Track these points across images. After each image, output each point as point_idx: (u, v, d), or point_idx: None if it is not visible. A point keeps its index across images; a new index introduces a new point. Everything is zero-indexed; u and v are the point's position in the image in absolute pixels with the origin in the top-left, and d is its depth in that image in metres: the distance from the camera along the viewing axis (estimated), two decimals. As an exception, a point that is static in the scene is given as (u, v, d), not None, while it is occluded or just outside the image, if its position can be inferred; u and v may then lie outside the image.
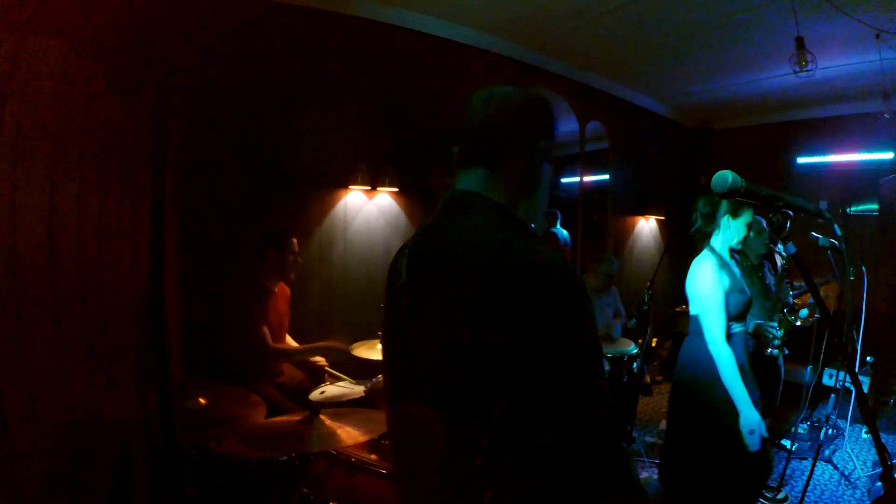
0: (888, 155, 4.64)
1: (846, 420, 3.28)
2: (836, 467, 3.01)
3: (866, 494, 2.72)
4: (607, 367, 3.19)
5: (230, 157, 2.79)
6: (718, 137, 5.92)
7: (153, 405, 1.26)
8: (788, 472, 2.80)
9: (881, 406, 3.65)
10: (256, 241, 2.55)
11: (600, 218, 4.98)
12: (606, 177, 4.93)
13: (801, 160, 5.26)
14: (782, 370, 2.74)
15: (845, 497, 2.72)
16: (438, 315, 0.75)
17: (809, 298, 3.16)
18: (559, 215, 5.29)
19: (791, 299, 2.89)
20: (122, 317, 1.64)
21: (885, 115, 3.88)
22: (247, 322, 2.36)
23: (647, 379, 4.58)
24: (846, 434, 3.27)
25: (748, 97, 4.84)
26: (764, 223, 2.69)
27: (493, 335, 0.66)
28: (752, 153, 5.63)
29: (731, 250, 2.05)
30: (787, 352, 2.62)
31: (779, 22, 3.14)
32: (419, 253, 0.83)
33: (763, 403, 1.97)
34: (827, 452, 3.13)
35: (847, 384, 3.15)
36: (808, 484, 2.37)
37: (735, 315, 1.95)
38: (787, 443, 3.03)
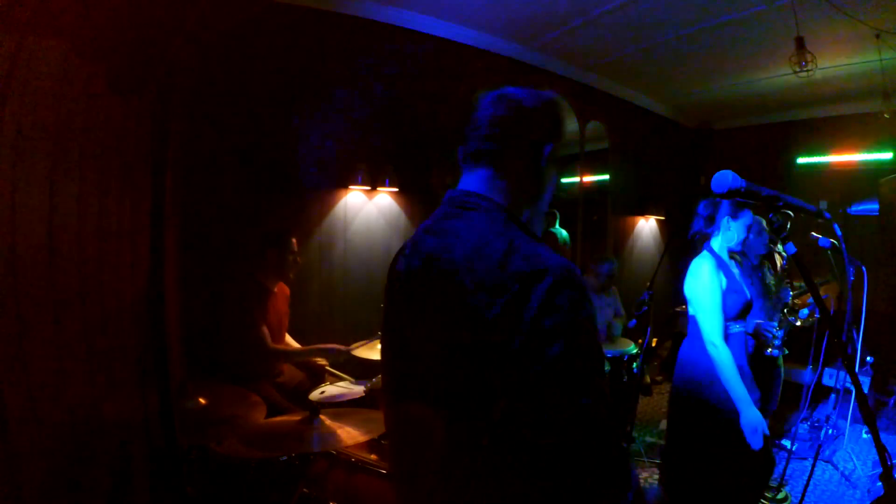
0: (888, 155, 4.64)
1: (846, 420, 3.28)
2: (836, 467, 3.01)
3: (866, 494, 2.71)
4: (607, 368, 3.19)
5: (230, 157, 2.79)
6: (718, 137, 5.92)
7: (153, 405, 1.26)
8: (788, 472, 2.80)
9: (881, 406, 3.65)
10: (256, 241, 2.55)
11: (600, 218, 4.98)
12: (606, 177, 4.93)
13: (801, 160, 5.26)
14: (782, 370, 2.75)
15: (845, 497, 2.72)
16: (438, 316, 0.74)
17: (809, 298, 3.16)
18: (558, 215, 5.29)
19: (791, 299, 2.89)
20: (122, 317, 1.64)
21: (885, 115, 3.88)
22: (246, 322, 2.36)
23: (647, 379, 4.58)
24: (846, 434, 3.26)
25: (748, 97, 4.84)
26: (764, 223, 2.69)
27: (494, 337, 0.66)
28: (752, 153, 5.63)
29: (731, 251, 2.05)
30: (786, 352, 2.62)
31: (779, 22, 3.14)
32: (419, 254, 0.82)
33: (763, 403, 1.97)
34: (827, 452, 3.13)
35: (847, 384, 3.15)
36: (808, 484, 2.37)
37: (733, 316, 1.95)
38: (787, 443, 3.03)
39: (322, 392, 2.21)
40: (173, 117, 1.41)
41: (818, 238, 2.20)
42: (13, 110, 1.19)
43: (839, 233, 1.46)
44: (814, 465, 2.42)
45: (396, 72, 3.40)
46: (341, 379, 2.45)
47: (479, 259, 0.71)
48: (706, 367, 1.90)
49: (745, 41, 3.58)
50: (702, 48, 3.76)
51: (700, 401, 1.93)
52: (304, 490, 1.64)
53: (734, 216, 2.00)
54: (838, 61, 3.70)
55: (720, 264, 1.97)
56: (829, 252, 2.21)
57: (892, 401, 3.63)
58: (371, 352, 2.47)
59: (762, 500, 2.56)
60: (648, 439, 3.49)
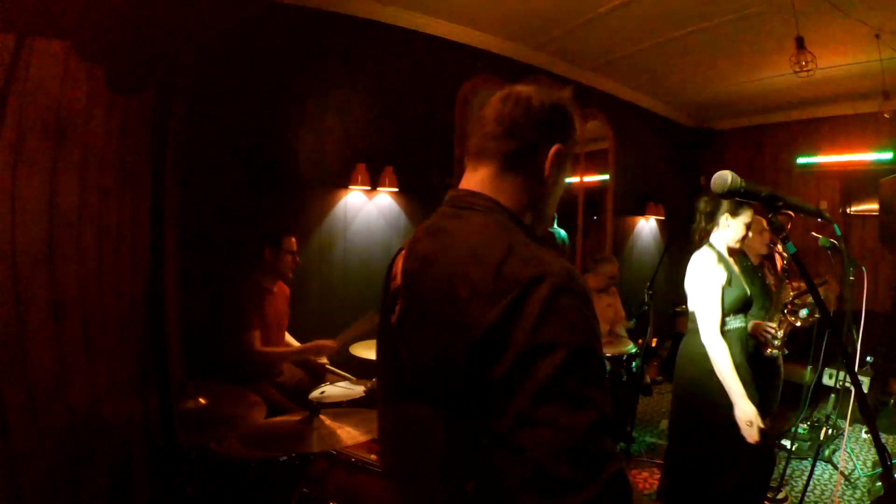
0: (888, 155, 4.64)
1: (846, 420, 3.28)
2: (836, 467, 3.01)
3: (866, 494, 2.72)
4: (608, 368, 3.19)
5: (230, 157, 2.79)
6: (718, 137, 5.92)
7: (153, 405, 1.26)
8: (788, 472, 2.80)
9: (881, 406, 3.65)
10: (255, 241, 2.55)
11: (600, 218, 4.98)
12: (606, 177, 4.93)
13: (801, 160, 5.26)
14: (782, 370, 2.75)
15: (845, 497, 2.72)
16: (434, 320, 0.71)
17: (809, 298, 3.16)
18: (556, 215, 5.30)
19: (791, 299, 2.89)
20: (122, 317, 1.64)
21: (885, 115, 3.88)
22: (238, 324, 2.36)
23: (647, 379, 4.59)
24: (846, 434, 3.27)
25: (748, 97, 4.84)
26: (764, 223, 2.70)
27: (491, 344, 0.63)
28: (752, 153, 5.63)
29: (731, 249, 2.05)
30: (786, 352, 2.62)
31: (779, 22, 3.14)
32: (416, 255, 0.79)
33: (762, 404, 1.97)
34: (827, 452, 3.13)
35: (847, 384, 3.15)
36: (808, 484, 2.37)
37: (731, 310, 1.96)
38: (786, 443, 3.04)
39: (322, 392, 2.21)
40: (173, 117, 1.41)
41: (818, 238, 2.20)
42: (13, 110, 1.19)
43: (839, 233, 1.47)
44: (813, 465, 2.42)
45: (396, 72, 3.40)
46: (341, 379, 2.45)
47: (475, 262, 0.68)
48: (704, 365, 1.90)
49: (745, 41, 3.58)
50: (702, 48, 3.76)
51: (700, 397, 1.94)
52: (304, 490, 1.64)
53: (734, 213, 2.01)
54: (838, 61, 3.71)
55: (721, 258, 1.98)
56: (829, 252, 2.21)
57: (892, 401, 3.64)
58: (371, 352, 2.47)
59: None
60: (648, 439, 3.50)
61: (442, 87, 3.61)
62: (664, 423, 3.68)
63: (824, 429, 3.11)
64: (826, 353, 2.59)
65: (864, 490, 2.76)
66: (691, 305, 2.02)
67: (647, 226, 5.45)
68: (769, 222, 1.07)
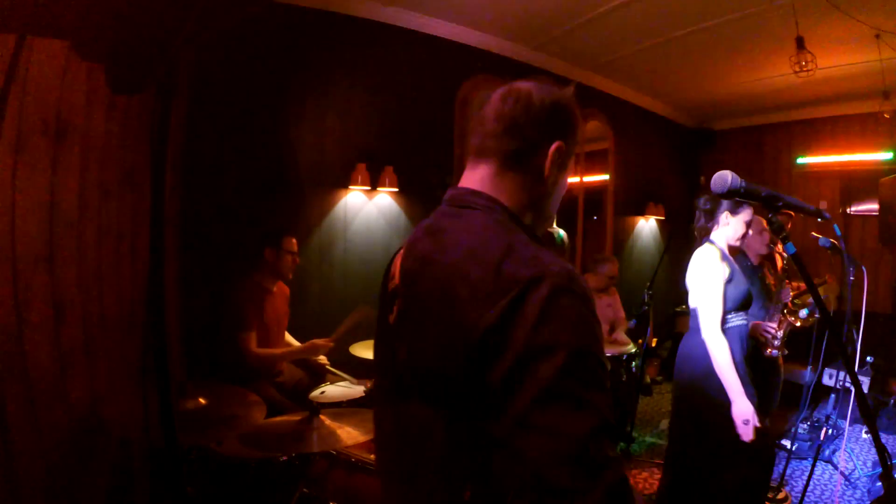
0: (888, 155, 4.64)
1: (846, 420, 3.28)
2: (836, 467, 3.01)
3: (866, 494, 2.72)
4: (608, 368, 3.19)
5: (230, 157, 2.79)
6: (718, 137, 5.92)
7: (153, 405, 1.26)
8: (788, 472, 2.80)
9: (881, 406, 3.65)
10: (255, 241, 2.55)
11: (600, 218, 4.98)
12: (606, 177, 4.93)
13: (801, 160, 5.26)
14: (782, 370, 2.75)
15: (845, 497, 2.72)
16: (433, 320, 0.71)
17: (809, 298, 3.16)
18: (554, 215, 5.29)
19: (790, 299, 2.89)
20: (122, 317, 1.64)
21: (885, 115, 3.88)
22: (234, 324, 2.36)
23: (647, 379, 4.59)
24: (846, 434, 3.27)
25: (748, 97, 4.84)
26: (764, 223, 2.70)
27: (490, 346, 0.62)
28: (752, 153, 5.63)
29: (731, 248, 2.06)
30: (786, 352, 2.62)
31: (779, 22, 3.14)
32: (414, 254, 0.78)
33: (762, 404, 1.97)
34: (827, 452, 3.13)
35: (847, 384, 3.15)
36: (808, 484, 2.37)
37: (733, 307, 1.97)
38: (787, 443, 3.04)
39: (322, 392, 2.21)
40: (173, 117, 1.41)
41: (818, 238, 2.20)
42: (13, 110, 1.19)
43: (839, 233, 1.47)
44: (813, 465, 2.42)
45: (396, 72, 3.40)
46: (341, 379, 2.45)
47: (474, 262, 0.67)
48: (705, 364, 1.90)
49: (745, 41, 3.58)
50: (702, 48, 3.76)
51: (700, 396, 1.94)
52: (304, 490, 1.64)
53: (733, 211, 2.01)
54: (838, 61, 3.70)
55: (723, 255, 1.98)
56: (829, 252, 2.21)
57: (892, 401, 3.64)
58: (369, 351, 2.47)
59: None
60: (648, 439, 3.50)
61: (442, 87, 3.61)
62: (664, 423, 3.68)
63: (824, 429, 3.11)
64: (826, 353, 2.58)
65: (864, 490, 2.76)
66: (692, 302, 2.02)
67: (647, 226, 5.45)
68: (769, 222, 1.07)
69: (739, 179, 1.01)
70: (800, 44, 3.02)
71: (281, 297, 2.65)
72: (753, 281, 2.52)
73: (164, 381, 1.03)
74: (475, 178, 0.80)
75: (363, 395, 2.21)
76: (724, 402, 1.85)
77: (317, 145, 3.13)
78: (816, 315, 2.68)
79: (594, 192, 4.94)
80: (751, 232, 2.09)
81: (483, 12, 3.36)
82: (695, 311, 2.01)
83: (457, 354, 0.64)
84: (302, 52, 3.02)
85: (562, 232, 1.84)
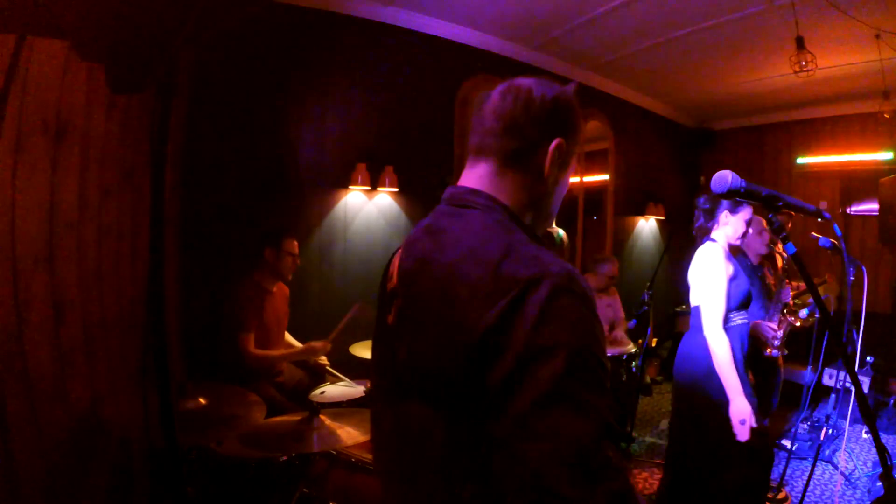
0: (888, 155, 4.64)
1: (846, 420, 3.28)
2: (836, 467, 3.01)
3: (866, 494, 2.72)
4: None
5: (230, 157, 2.79)
6: (718, 137, 5.92)
7: (153, 405, 1.26)
8: (788, 472, 2.80)
9: (881, 406, 3.65)
10: (255, 241, 2.55)
11: (600, 218, 4.98)
12: (606, 177, 4.94)
13: (801, 160, 5.26)
14: (782, 370, 2.75)
15: (845, 497, 2.72)
16: (432, 321, 0.70)
17: (809, 298, 3.16)
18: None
19: (790, 299, 2.89)
20: (122, 317, 1.64)
21: (885, 115, 3.88)
22: (232, 325, 2.36)
23: (647, 379, 4.59)
24: (846, 434, 3.27)
25: (748, 97, 4.84)
26: (764, 223, 2.70)
27: (488, 348, 0.61)
28: (752, 153, 5.63)
29: (731, 248, 2.06)
30: (786, 352, 2.62)
31: (779, 22, 3.14)
32: (412, 255, 0.77)
33: (762, 404, 1.98)
34: (827, 452, 3.13)
35: (847, 384, 3.15)
36: (808, 484, 2.37)
37: (735, 305, 1.97)
38: (787, 443, 3.04)
39: (322, 392, 2.21)
40: (173, 117, 1.41)
41: (818, 238, 2.20)
42: (13, 110, 1.19)
43: (839, 233, 1.47)
44: (814, 465, 2.42)
45: (396, 72, 3.40)
46: (341, 379, 2.45)
47: (473, 262, 0.66)
48: (707, 362, 1.90)
49: (745, 41, 3.58)
50: (702, 48, 3.76)
51: (700, 396, 1.94)
52: (304, 490, 1.64)
53: (733, 210, 2.01)
54: (838, 61, 3.71)
55: (727, 253, 1.98)
56: (829, 252, 2.21)
57: (892, 401, 3.64)
58: (368, 350, 2.47)
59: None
60: (648, 439, 3.50)
61: (442, 87, 3.61)
62: (664, 423, 3.68)
63: (824, 429, 3.11)
64: (826, 353, 2.59)
65: (864, 490, 2.76)
66: (695, 299, 2.01)
67: (647, 226, 5.45)
68: (769, 222, 1.07)
69: (740, 179, 1.01)
70: (800, 44, 3.02)
71: (281, 297, 2.65)
72: (753, 281, 2.52)
73: (164, 381, 1.03)
74: (474, 176, 0.79)
75: (363, 395, 2.21)
76: (725, 402, 1.85)
77: (317, 145, 3.13)
78: (816, 315, 2.69)
79: (594, 192, 4.94)
80: (750, 231, 2.09)
81: (483, 12, 3.36)
82: (696, 309, 2.01)
83: (456, 355, 0.64)
84: (302, 52, 3.02)
85: (561, 231, 1.84)
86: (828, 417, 3.40)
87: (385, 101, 3.36)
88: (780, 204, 1.04)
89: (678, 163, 5.80)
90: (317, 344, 2.52)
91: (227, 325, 2.38)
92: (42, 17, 1.04)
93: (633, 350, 3.33)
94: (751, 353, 2.09)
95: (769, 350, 2.43)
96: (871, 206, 4.64)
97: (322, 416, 1.71)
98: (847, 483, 2.85)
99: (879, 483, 0.97)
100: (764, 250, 2.81)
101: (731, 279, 1.95)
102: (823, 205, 5.03)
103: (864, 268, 2.29)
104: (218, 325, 2.43)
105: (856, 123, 4.82)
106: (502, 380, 0.60)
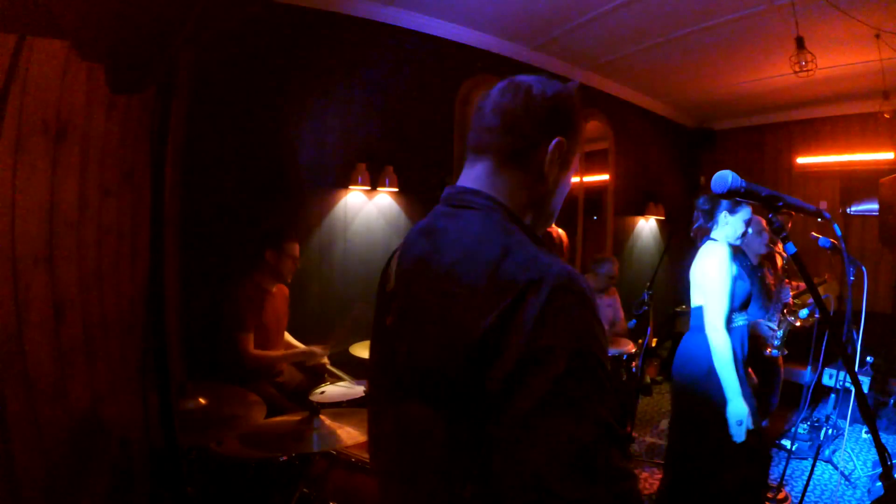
0: (888, 155, 4.64)
1: (846, 420, 3.28)
2: (836, 467, 3.01)
3: (866, 494, 2.72)
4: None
5: (230, 157, 2.79)
6: (718, 137, 5.92)
7: (153, 405, 1.26)
8: (788, 472, 2.80)
9: (881, 406, 3.65)
10: (256, 242, 2.55)
11: (600, 218, 4.98)
12: (606, 177, 4.94)
13: (801, 160, 5.26)
14: (782, 370, 2.75)
15: (845, 497, 2.72)
16: (429, 323, 0.69)
17: (809, 299, 3.16)
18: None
19: (790, 299, 2.90)
20: (122, 317, 1.64)
21: (885, 115, 3.88)
22: (232, 325, 2.36)
23: (647, 379, 4.59)
24: (846, 434, 3.27)
25: (748, 97, 4.84)
26: (764, 223, 2.70)
27: (487, 351, 0.60)
28: (752, 153, 5.63)
29: (731, 247, 2.06)
30: (786, 352, 2.62)
31: (779, 22, 3.14)
32: (410, 256, 0.76)
33: (762, 404, 1.98)
34: (827, 452, 3.13)
35: (847, 384, 3.15)
36: (808, 484, 2.36)
37: (738, 306, 1.96)
38: (787, 443, 3.04)
39: (322, 392, 2.21)
40: (173, 117, 1.41)
41: (818, 238, 2.20)
42: (13, 110, 1.19)
43: (839, 233, 1.47)
44: (814, 465, 2.42)
45: (396, 72, 3.40)
46: (341, 379, 2.45)
47: (471, 264, 0.65)
48: (707, 362, 1.90)
49: (745, 41, 3.58)
50: (702, 48, 3.76)
51: (701, 397, 1.93)
52: (304, 490, 1.64)
53: (732, 211, 2.01)
54: (838, 61, 3.71)
55: (733, 253, 1.98)
56: (829, 252, 2.21)
57: (892, 401, 3.64)
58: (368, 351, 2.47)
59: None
60: (648, 439, 3.50)
61: (442, 87, 3.61)
62: (664, 423, 3.68)
63: (824, 429, 3.11)
64: (826, 353, 2.59)
65: (864, 490, 2.76)
66: (697, 299, 2.00)
67: (647, 226, 5.45)
68: (769, 222, 1.07)
69: (740, 179, 1.01)
70: (800, 44, 3.02)
71: (280, 297, 2.65)
72: (753, 281, 2.52)
73: (164, 381, 1.03)
74: (473, 175, 0.78)
75: (363, 395, 2.21)
76: (725, 402, 1.85)
77: (317, 145, 3.13)
78: (816, 315, 2.69)
79: (594, 192, 4.94)
80: (750, 231, 2.09)
81: (483, 12, 3.35)
82: (697, 309, 2.00)
83: (456, 356, 0.64)
84: (302, 52, 3.02)
85: (560, 231, 1.83)
86: (828, 417, 3.40)
87: (385, 101, 3.36)
88: (780, 204, 1.04)
89: (678, 163, 5.80)
90: (317, 348, 2.53)
91: (227, 325, 2.38)
92: (42, 17, 1.04)
93: (633, 350, 3.33)
94: (751, 353, 2.09)
95: (769, 350, 2.44)
96: (871, 206, 4.64)
97: (322, 416, 1.71)
98: (847, 483, 2.85)
99: (879, 483, 0.97)
100: (764, 250, 2.81)
101: (736, 279, 1.95)
102: (823, 205, 5.03)
103: (864, 268, 2.29)
104: (218, 325, 2.44)
105: (856, 123, 4.82)
106: (502, 380, 0.60)
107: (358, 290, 3.24)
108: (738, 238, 2.03)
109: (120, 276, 1.65)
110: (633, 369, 3.36)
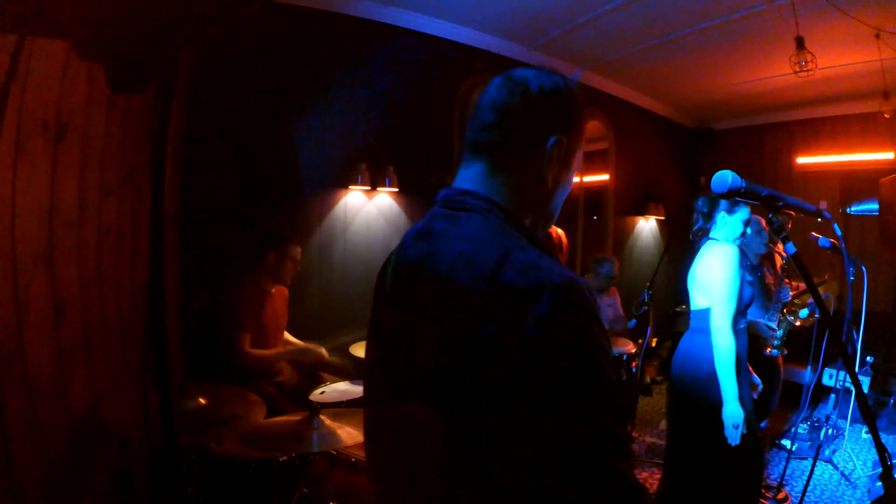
0: (888, 155, 4.64)
1: (846, 420, 3.28)
2: (836, 467, 3.01)
3: (866, 494, 2.72)
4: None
5: (230, 156, 2.79)
6: (718, 137, 5.92)
7: (153, 405, 1.26)
8: (788, 472, 2.80)
9: (881, 406, 3.66)
10: (257, 242, 2.55)
11: (600, 218, 4.98)
12: (606, 177, 4.94)
13: (801, 160, 5.26)
14: (782, 370, 2.75)
15: (845, 497, 2.72)
16: (429, 327, 0.68)
17: (809, 298, 3.16)
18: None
19: (789, 299, 2.90)
20: (122, 317, 1.64)
21: (886, 115, 3.88)
22: (230, 325, 2.36)
23: (647, 379, 4.59)
24: (846, 434, 3.27)
25: (748, 97, 4.84)
26: (763, 223, 2.70)
27: (484, 360, 0.59)
28: (752, 153, 5.64)
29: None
30: (786, 352, 2.62)
31: (779, 22, 3.14)
32: (405, 260, 0.74)
33: (762, 404, 1.98)
34: (827, 452, 3.13)
35: (847, 384, 3.15)
36: (808, 484, 2.37)
37: (743, 308, 1.96)
38: (786, 443, 3.04)
39: (322, 392, 2.21)
40: (173, 117, 1.41)
41: (818, 238, 2.21)
42: (13, 110, 1.19)
43: (839, 233, 1.47)
44: (814, 465, 2.42)
45: (396, 72, 3.40)
46: (339, 367, 2.45)
47: (470, 268, 0.62)
48: (708, 363, 1.89)
49: (745, 41, 3.58)
50: (702, 48, 3.76)
51: (702, 398, 1.93)
52: (304, 490, 1.64)
53: (730, 211, 2.01)
54: (838, 61, 3.71)
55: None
56: (829, 252, 2.21)
57: (892, 401, 3.64)
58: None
59: (762, 500, 2.57)
60: (648, 439, 3.50)
61: (442, 87, 3.61)
62: (664, 423, 3.68)
63: (824, 429, 3.11)
64: (826, 353, 2.59)
65: (864, 490, 2.76)
66: (701, 300, 1.98)
67: (647, 226, 5.45)
68: (769, 222, 1.07)
69: (740, 179, 1.01)
70: (800, 44, 3.02)
71: (280, 298, 2.65)
72: (753, 281, 2.52)
73: (164, 381, 1.03)
74: (470, 176, 0.75)
75: (363, 395, 2.21)
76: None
77: (317, 145, 3.13)
78: (816, 315, 2.69)
79: (594, 192, 4.94)
80: (749, 231, 2.08)
81: (483, 12, 3.35)
82: (700, 311, 1.99)
83: (456, 358, 0.63)
84: (302, 52, 3.02)
85: (560, 231, 1.83)
86: (828, 417, 3.40)
87: (385, 101, 3.36)
88: (780, 204, 1.04)
89: (678, 163, 5.80)
90: (313, 345, 2.54)
91: (225, 325, 2.38)
92: (42, 17, 1.04)
93: (633, 350, 3.33)
94: (751, 353, 2.09)
95: (769, 350, 2.44)
96: (871, 206, 4.64)
97: (322, 416, 1.71)
98: (847, 483, 2.85)
99: (879, 483, 0.96)
100: (763, 250, 2.81)
101: (744, 280, 1.93)
102: (823, 205, 5.03)
103: (864, 268, 2.30)
104: (217, 325, 2.44)
105: (856, 123, 4.82)
106: (502, 381, 0.59)
107: (358, 290, 3.24)
108: (736, 238, 2.03)
109: (120, 276, 1.65)
110: (633, 369, 3.36)
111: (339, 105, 3.20)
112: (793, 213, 1.69)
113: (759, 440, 1.86)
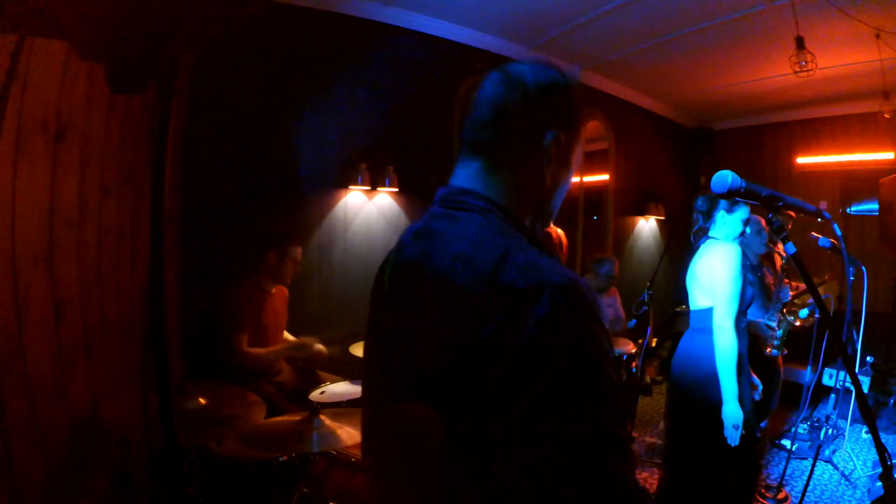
0: (888, 155, 4.64)
1: (846, 420, 3.28)
2: (836, 467, 3.01)
3: (866, 494, 2.72)
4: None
5: (230, 156, 2.79)
6: (718, 137, 5.92)
7: (153, 405, 1.26)
8: (788, 472, 2.80)
9: (881, 406, 3.66)
10: (257, 242, 2.55)
11: (600, 218, 4.98)
12: (606, 177, 4.94)
13: (801, 160, 5.26)
14: (782, 370, 2.75)
15: (845, 497, 2.72)
16: (428, 328, 0.67)
17: (809, 298, 3.16)
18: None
19: (789, 298, 2.90)
20: (122, 317, 1.64)
21: (886, 115, 3.88)
22: (229, 325, 2.36)
23: (647, 379, 4.59)
24: (846, 434, 3.27)
25: (748, 97, 4.84)
26: (763, 223, 2.70)
27: (483, 362, 0.58)
28: (752, 153, 5.64)
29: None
30: (786, 352, 2.62)
31: (779, 22, 3.14)
32: (403, 260, 0.74)
33: (762, 404, 1.98)
34: (827, 452, 3.13)
35: (847, 384, 3.15)
36: (808, 484, 2.37)
37: (744, 308, 1.97)
38: (787, 443, 3.04)
39: (322, 392, 2.21)
40: (173, 117, 1.41)
41: (818, 238, 2.20)
42: (13, 110, 1.19)
43: (839, 233, 1.47)
44: (814, 465, 2.42)
45: (396, 72, 3.40)
46: (338, 379, 2.45)
47: (469, 268, 0.62)
48: (709, 363, 1.89)
49: (745, 41, 3.58)
50: (702, 48, 3.76)
51: (703, 399, 1.93)
52: (304, 490, 1.64)
53: (729, 210, 2.01)
54: (838, 61, 3.71)
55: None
56: (829, 252, 2.21)
57: (892, 401, 3.64)
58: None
59: (761, 501, 2.57)
60: (648, 439, 3.50)
61: (442, 87, 3.61)
62: (664, 423, 3.68)
63: (824, 429, 3.11)
64: (826, 353, 2.59)
65: (864, 490, 2.76)
66: (703, 299, 1.98)
67: (647, 226, 5.45)
68: (769, 222, 1.07)
69: (740, 179, 1.01)
70: (800, 44, 3.02)
71: (279, 298, 2.65)
72: (753, 281, 2.52)
73: (164, 381, 1.03)
74: (467, 175, 0.73)
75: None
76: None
77: (317, 145, 3.13)
78: (816, 315, 2.69)
79: (594, 192, 4.94)
80: (749, 231, 2.08)
81: (483, 12, 3.35)
82: (700, 310, 1.99)
83: (456, 358, 0.63)
84: (302, 52, 3.02)
85: (559, 230, 1.83)
86: (828, 417, 3.40)
87: (385, 101, 3.36)
88: (780, 204, 1.04)
89: (678, 163, 5.80)
90: (308, 339, 2.53)
91: (224, 325, 2.38)
92: (42, 17, 1.04)
93: (634, 350, 3.33)
94: (751, 353, 2.09)
95: (769, 350, 2.44)
96: (871, 206, 4.64)
97: (322, 416, 1.71)
98: (847, 483, 2.85)
99: (879, 483, 0.96)
100: (763, 250, 2.81)
101: (746, 280, 1.93)
102: (823, 205, 5.03)
103: (864, 268, 2.30)
104: (217, 324, 2.44)
105: (856, 123, 4.82)
106: (503, 382, 0.59)
107: (358, 290, 3.24)
108: (735, 238, 2.03)
109: (120, 276, 1.65)
110: (633, 369, 3.36)
111: (338, 105, 3.20)
112: (793, 213, 1.69)
113: (759, 440, 1.86)
